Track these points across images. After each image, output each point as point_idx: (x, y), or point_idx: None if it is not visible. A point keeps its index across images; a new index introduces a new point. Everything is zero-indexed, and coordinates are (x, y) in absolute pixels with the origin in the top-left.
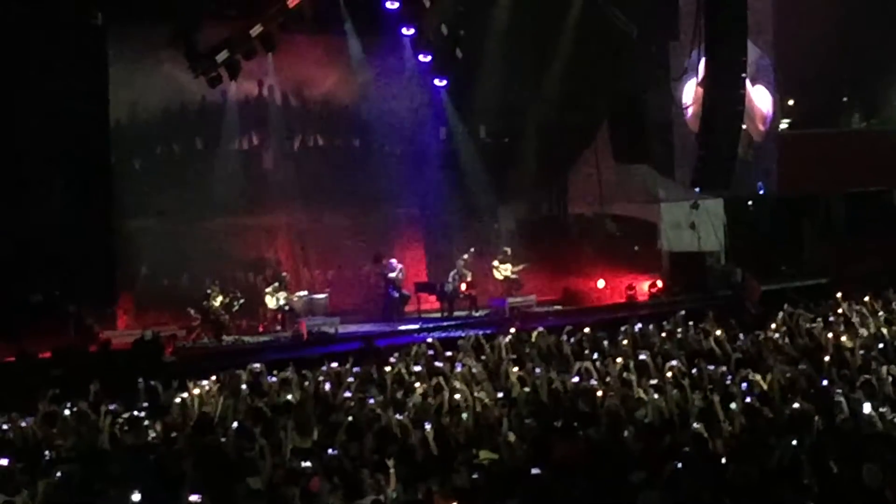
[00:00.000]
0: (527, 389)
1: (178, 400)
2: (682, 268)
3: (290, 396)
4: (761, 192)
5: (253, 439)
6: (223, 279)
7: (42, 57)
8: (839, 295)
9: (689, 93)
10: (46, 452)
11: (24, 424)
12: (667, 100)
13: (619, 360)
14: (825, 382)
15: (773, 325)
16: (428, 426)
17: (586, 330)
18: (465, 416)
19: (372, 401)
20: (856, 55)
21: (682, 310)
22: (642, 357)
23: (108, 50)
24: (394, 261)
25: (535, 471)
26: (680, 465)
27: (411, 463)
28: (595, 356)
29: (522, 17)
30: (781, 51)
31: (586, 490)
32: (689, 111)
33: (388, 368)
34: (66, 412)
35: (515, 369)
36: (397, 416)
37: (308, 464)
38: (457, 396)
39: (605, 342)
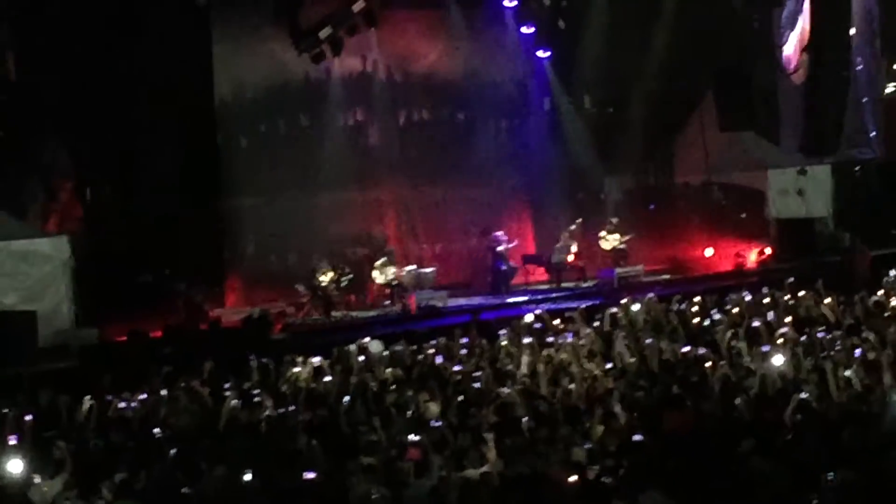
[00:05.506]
0: (634, 360)
1: (289, 376)
2: (791, 234)
3: (397, 371)
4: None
5: (367, 414)
6: (330, 255)
7: (146, 39)
8: None
9: (791, 46)
10: (158, 431)
11: (135, 404)
12: (771, 66)
13: (729, 328)
14: None
15: (882, 291)
16: (536, 399)
17: (696, 298)
18: (574, 387)
19: (480, 374)
20: None
21: (791, 277)
22: (753, 325)
23: (212, 30)
24: (500, 233)
25: (636, 437)
26: (792, 432)
27: (519, 435)
28: (704, 325)
29: None
30: (886, 12)
31: (696, 459)
32: (792, 65)
33: (498, 341)
34: (179, 391)
35: (625, 339)
36: (506, 388)
37: (417, 437)
38: (566, 368)
39: (714, 311)
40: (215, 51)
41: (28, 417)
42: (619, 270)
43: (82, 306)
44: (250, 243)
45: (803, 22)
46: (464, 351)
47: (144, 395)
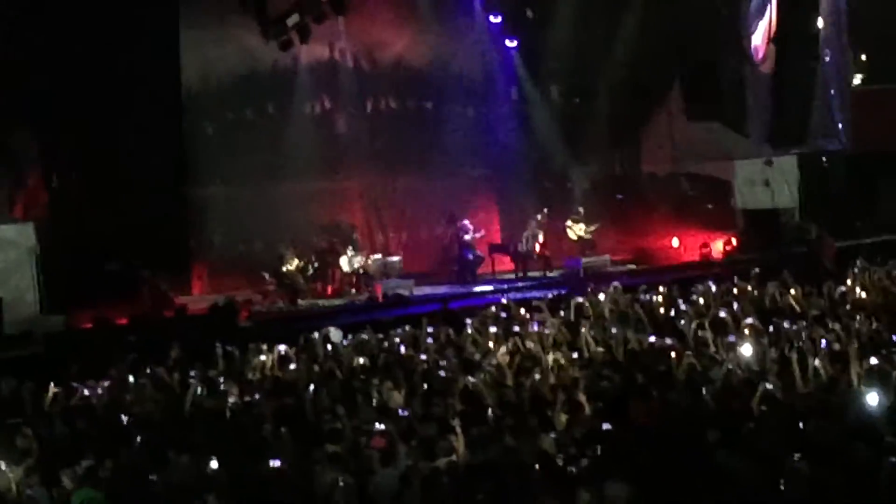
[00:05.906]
0: (601, 350)
1: (255, 364)
2: (757, 225)
3: (363, 360)
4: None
5: (332, 402)
6: (297, 244)
7: (113, 24)
8: None
9: (759, 37)
10: (124, 418)
11: (101, 391)
12: (739, 56)
13: (695, 318)
14: None
15: (849, 282)
16: (503, 388)
17: (662, 289)
18: (539, 377)
19: (446, 363)
20: None
21: (757, 267)
22: (719, 315)
23: (180, 16)
24: (467, 222)
25: (605, 426)
26: (756, 423)
27: (486, 424)
28: (670, 315)
29: None
30: (854, 5)
31: (662, 449)
32: (760, 55)
33: (464, 330)
34: (145, 378)
35: (591, 329)
36: (471, 378)
37: (382, 426)
38: (532, 357)
39: (680, 301)
40: (183, 38)
41: None
42: (585, 260)
43: (48, 293)
44: (217, 231)
45: (771, 12)
46: (430, 340)
47: (110, 383)
